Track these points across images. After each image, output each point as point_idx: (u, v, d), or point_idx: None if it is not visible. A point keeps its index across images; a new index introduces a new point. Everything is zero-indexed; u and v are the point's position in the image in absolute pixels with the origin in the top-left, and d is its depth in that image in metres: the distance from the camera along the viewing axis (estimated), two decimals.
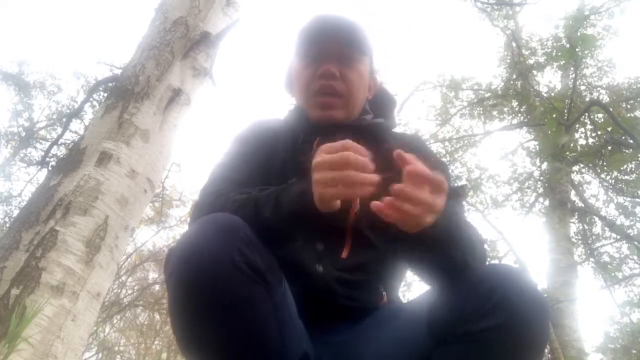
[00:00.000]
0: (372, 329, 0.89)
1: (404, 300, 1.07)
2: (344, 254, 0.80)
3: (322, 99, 1.04)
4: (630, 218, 6.28)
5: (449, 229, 0.78)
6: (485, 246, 0.94)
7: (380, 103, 1.18)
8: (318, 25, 1.06)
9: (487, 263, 0.90)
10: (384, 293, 0.98)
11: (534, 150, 7.17)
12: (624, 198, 6.37)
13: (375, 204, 0.72)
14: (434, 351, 0.77)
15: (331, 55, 1.04)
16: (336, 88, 1.03)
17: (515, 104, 7.45)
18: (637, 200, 6.13)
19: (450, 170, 1.17)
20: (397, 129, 1.22)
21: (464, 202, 1.08)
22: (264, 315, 0.75)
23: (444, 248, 0.78)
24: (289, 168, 1.02)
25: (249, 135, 1.11)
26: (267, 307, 0.75)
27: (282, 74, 1.18)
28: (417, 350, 0.79)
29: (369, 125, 1.07)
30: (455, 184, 1.09)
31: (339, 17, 1.06)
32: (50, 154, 5.44)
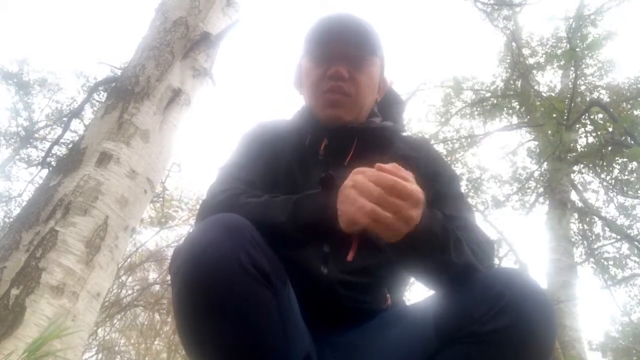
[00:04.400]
0: (377, 329, 0.90)
1: (407, 301, 1.08)
2: (350, 257, 0.81)
3: (330, 95, 1.04)
4: (631, 218, 6.28)
5: (435, 233, 0.78)
6: (492, 246, 0.93)
7: (388, 105, 1.17)
8: (329, 25, 1.05)
9: (494, 265, 0.90)
10: (388, 296, 0.98)
11: (534, 150, 7.17)
12: (624, 198, 6.37)
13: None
14: (440, 352, 0.77)
15: (341, 56, 1.03)
16: (344, 89, 1.03)
17: (515, 104, 7.45)
18: (637, 200, 6.13)
19: (457, 175, 1.15)
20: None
21: (471, 205, 1.08)
22: (268, 317, 0.75)
23: (437, 251, 0.78)
24: (296, 169, 1.03)
25: (256, 135, 1.12)
26: (271, 308, 0.76)
27: (292, 72, 1.19)
28: (422, 351, 0.79)
29: (377, 129, 1.06)
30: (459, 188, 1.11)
31: (350, 17, 1.05)
32: (50, 154, 5.44)
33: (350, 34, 1.04)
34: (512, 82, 7.48)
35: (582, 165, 6.51)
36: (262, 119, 1.18)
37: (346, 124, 1.04)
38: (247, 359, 0.74)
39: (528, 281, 0.76)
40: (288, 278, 0.83)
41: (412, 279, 1.07)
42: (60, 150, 5.81)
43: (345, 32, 1.03)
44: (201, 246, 0.73)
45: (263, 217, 0.83)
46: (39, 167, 5.85)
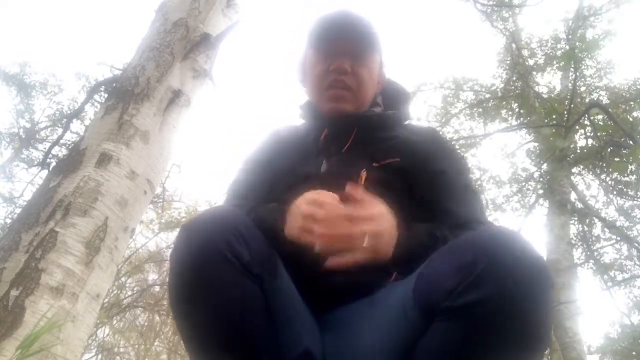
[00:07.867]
0: (369, 306, 0.85)
1: None
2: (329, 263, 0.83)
3: (333, 91, 1.10)
4: (631, 220, 6.27)
5: (416, 252, 0.83)
6: None
7: (393, 96, 1.24)
8: (334, 21, 1.12)
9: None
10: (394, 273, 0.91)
11: (534, 152, 7.17)
12: (624, 199, 6.36)
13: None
14: (425, 330, 0.70)
15: (344, 51, 1.09)
16: (347, 82, 1.09)
17: (515, 105, 7.46)
18: (637, 202, 6.13)
19: (467, 166, 1.15)
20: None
21: (478, 195, 1.08)
22: (249, 308, 0.75)
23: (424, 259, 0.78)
24: (296, 160, 1.08)
25: (267, 142, 1.19)
26: (254, 299, 0.75)
27: (295, 67, 1.25)
28: (409, 330, 0.74)
29: (375, 116, 1.12)
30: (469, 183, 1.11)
31: (353, 15, 1.12)
32: (50, 155, 5.44)
33: (354, 30, 1.10)
34: (511, 83, 7.49)
35: (582, 167, 6.51)
36: (271, 128, 1.25)
37: (346, 114, 1.10)
38: (228, 349, 0.74)
39: (510, 244, 0.64)
40: (283, 270, 0.83)
41: None
42: (60, 151, 5.81)
43: (349, 29, 1.10)
44: (187, 238, 0.76)
45: (267, 226, 0.89)
46: (40, 167, 5.85)
